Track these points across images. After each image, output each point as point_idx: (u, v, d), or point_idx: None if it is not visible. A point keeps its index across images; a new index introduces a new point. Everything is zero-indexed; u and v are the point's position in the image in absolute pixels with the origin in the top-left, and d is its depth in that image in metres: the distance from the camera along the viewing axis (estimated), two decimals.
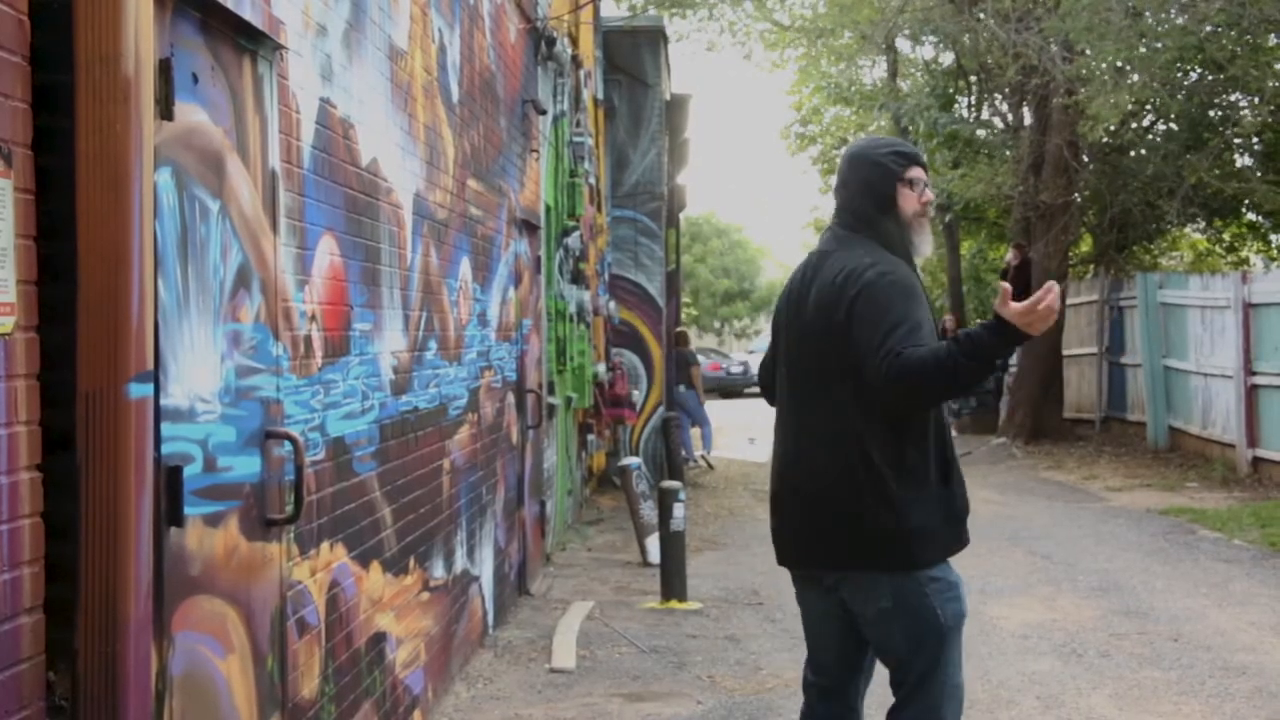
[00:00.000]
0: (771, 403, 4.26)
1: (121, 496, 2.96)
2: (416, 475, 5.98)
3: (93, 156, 2.93)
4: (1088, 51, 15.83)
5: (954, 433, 21.72)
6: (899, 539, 3.82)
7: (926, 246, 4.04)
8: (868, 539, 3.84)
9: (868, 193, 4.02)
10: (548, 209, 10.46)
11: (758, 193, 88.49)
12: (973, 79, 21.55)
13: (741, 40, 21.96)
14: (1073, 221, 19.76)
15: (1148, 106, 18.91)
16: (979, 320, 28.38)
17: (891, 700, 4.03)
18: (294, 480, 4.08)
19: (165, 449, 3.26)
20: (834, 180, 4.23)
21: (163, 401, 3.24)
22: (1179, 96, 17.83)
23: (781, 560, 4.13)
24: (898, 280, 3.84)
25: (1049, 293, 3.59)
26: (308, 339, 4.48)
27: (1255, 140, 19.36)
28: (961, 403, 20.52)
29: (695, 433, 18.35)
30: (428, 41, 6.30)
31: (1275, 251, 22.87)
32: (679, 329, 18.50)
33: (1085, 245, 22.09)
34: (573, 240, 11.43)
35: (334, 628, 4.73)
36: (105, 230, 2.94)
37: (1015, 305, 3.60)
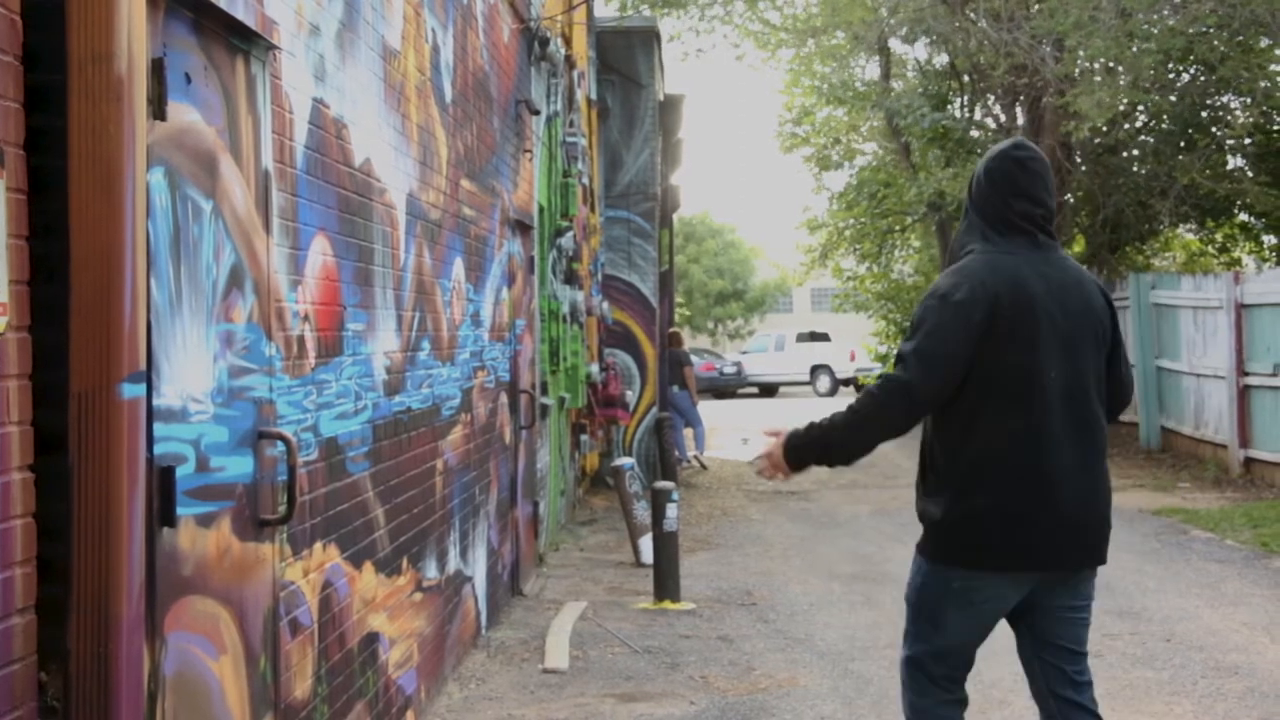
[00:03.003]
0: None
1: (114, 497, 2.96)
2: (409, 476, 5.98)
3: (85, 156, 2.93)
4: (1081, 53, 15.85)
5: None
6: None
7: None
8: None
9: None
10: (541, 209, 10.46)
11: (751, 193, 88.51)
12: (965, 79, 21.57)
13: (735, 42, 21.96)
14: (1065, 222, 19.78)
15: (1140, 107, 18.94)
16: None
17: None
18: (287, 480, 4.07)
19: (158, 449, 3.26)
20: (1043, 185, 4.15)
21: (155, 402, 3.24)
22: (1170, 98, 17.86)
23: None
24: None
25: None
26: (300, 339, 4.48)
27: (1247, 141, 19.39)
28: None
29: (688, 433, 18.35)
30: (421, 41, 6.29)
31: (1267, 252, 22.90)
32: (672, 329, 18.51)
33: (1078, 246, 22.12)
34: (566, 240, 11.43)
35: (327, 628, 4.72)
36: (98, 230, 2.94)
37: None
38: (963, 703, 4.13)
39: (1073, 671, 4.08)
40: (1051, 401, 3.94)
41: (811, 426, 4.09)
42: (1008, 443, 3.92)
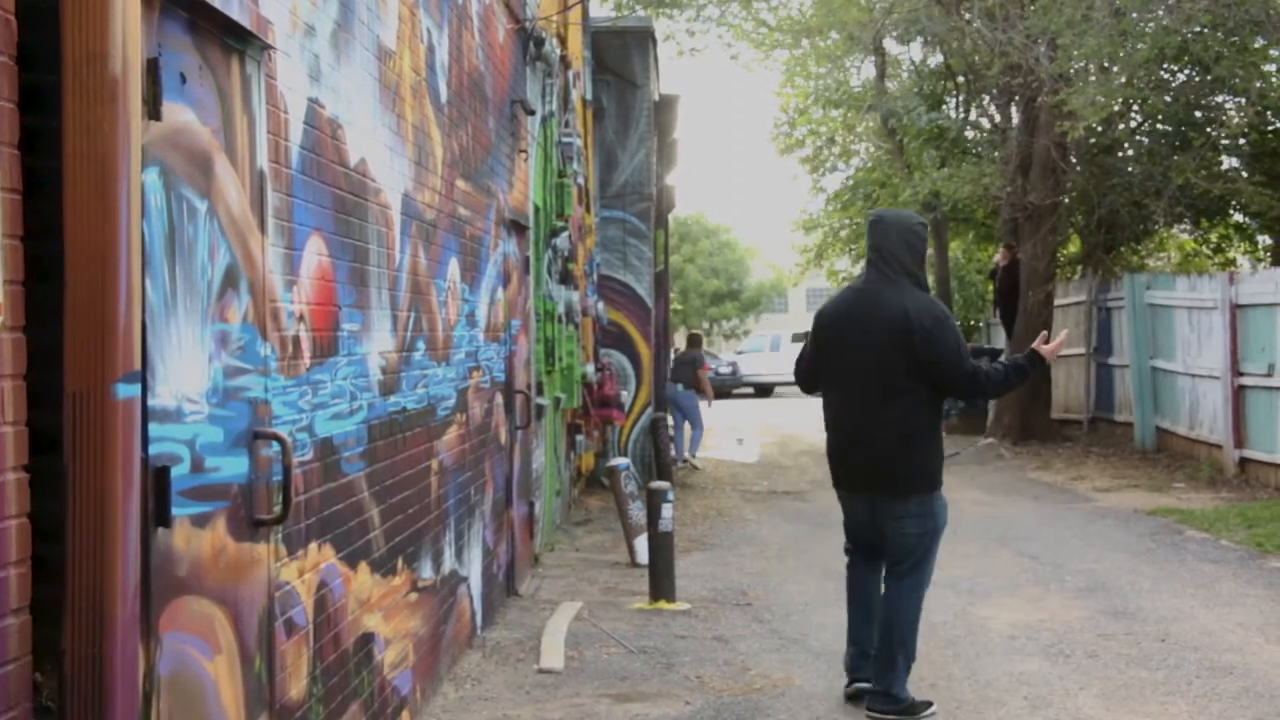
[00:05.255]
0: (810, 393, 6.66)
1: (109, 497, 2.96)
2: (405, 476, 5.98)
3: (80, 156, 2.93)
4: (1074, 52, 15.85)
5: (943, 433, 22.01)
6: None
7: None
8: None
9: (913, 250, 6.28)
10: (536, 209, 10.45)
11: (747, 193, 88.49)
12: (960, 79, 21.58)
13: (729, 42, 21.95)
14: (1060, 222, 19.79)
15: (1134, 107, 18.95)
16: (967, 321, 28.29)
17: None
18: (282, 481, 4.07)
19: (153, 449, 3.26)
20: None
21: (150, 402, 3.24)
22: (1165, 98, 17.86)
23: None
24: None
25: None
26: (296, 339, 4.47)
27: (1242, 141, 19.40)
28: (950, 404, 20.53)
29: (687, 431, 18.36)
30: (416, 42, 6.29)
31: (1262, 252, 22.92)
32: (693, 331, 19.13)
33: (1073, 246, 22.14)
34: (561, 241, 11.42)
35: (322, 628, 4.72)
36: (93, 230, 2.93)
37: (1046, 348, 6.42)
38: (851, 552, 6.50)
39: (892, 563, 6.27)
40: (850, 385, 6.21)
41: None
42: (829, 410, 6.40)
